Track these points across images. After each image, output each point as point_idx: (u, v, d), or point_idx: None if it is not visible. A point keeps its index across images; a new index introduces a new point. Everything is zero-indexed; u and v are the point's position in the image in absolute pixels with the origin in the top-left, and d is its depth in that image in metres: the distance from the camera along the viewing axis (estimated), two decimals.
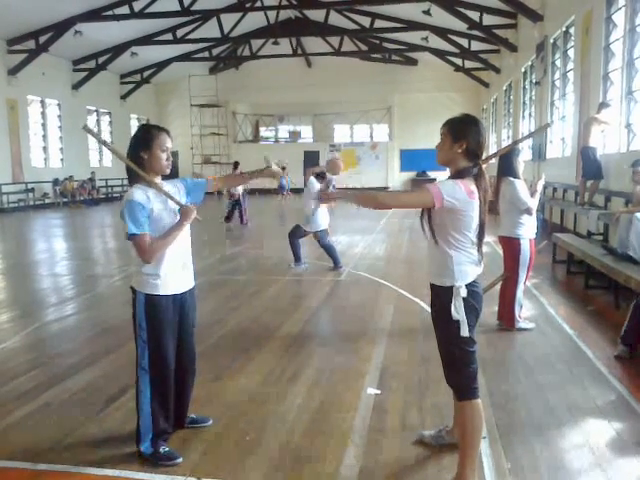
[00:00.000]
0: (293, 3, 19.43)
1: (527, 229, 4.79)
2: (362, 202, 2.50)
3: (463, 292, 2.43)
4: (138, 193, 2.72)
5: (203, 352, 4.17)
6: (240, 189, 13.48)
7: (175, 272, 2.84)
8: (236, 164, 14.80)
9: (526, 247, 4.78)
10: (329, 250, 7.76)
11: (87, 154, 24.11)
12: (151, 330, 2.80)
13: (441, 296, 2.49)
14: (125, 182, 3.03)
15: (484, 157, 2.54)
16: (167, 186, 2.90)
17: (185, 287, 2.93)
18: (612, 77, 8.86)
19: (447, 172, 2.55)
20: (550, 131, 12.80)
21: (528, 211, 4.72)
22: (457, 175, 2.46)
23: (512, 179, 4.73)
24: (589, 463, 2.76)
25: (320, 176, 7.60)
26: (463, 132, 2.45)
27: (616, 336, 4.38)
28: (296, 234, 7.84)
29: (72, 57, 21.92)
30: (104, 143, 3.08)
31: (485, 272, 2.66)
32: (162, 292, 2.80)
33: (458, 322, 2.43)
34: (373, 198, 2.46)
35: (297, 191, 20.08)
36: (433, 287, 2.56)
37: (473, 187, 2.43)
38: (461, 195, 2.37)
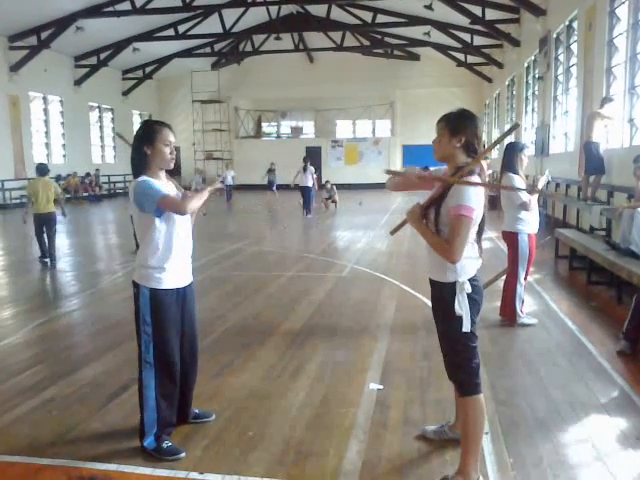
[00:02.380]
0: None
1: (527, 224, 4.81)
2: (433, 244, 2.43)
3: (468, 287, 2.43)
4: (145, 177, 2.79)
5: (205, 348, 4.18)
6: (311, 178, 13.45)
7: (178, 265, 2.86)
8: (306, 160, 14.15)
9: (524, 242, 4.79)
10: None
11: (89, 150, 24.11)
12: (156, 324, 2.81)
13: (444, 292, 2.49)
14: (127, 178, 3.06)
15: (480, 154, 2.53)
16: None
17: (186, 281, 2.95)
18: (615, 72, 8.81)
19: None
20: (553, 126, 12.76)
21: (523, 206, 4.73)
22: (462, 171, 2.43)
23: (511, 174, 4.78)
24: (591, 458, 2.77)
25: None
26: (461, 126, 2.46)
27: (618, 331, 4.38)
28: None
29: (74, 53, 21.90)
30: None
31: (487, 268, 2.66)
32: (166, 286, 2.82)
33: (461, 318, 2.42)
34: (445, 252, 2.38)
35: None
36: (435, 283, 2.57)
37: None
38: (480, 197, 2.39)
